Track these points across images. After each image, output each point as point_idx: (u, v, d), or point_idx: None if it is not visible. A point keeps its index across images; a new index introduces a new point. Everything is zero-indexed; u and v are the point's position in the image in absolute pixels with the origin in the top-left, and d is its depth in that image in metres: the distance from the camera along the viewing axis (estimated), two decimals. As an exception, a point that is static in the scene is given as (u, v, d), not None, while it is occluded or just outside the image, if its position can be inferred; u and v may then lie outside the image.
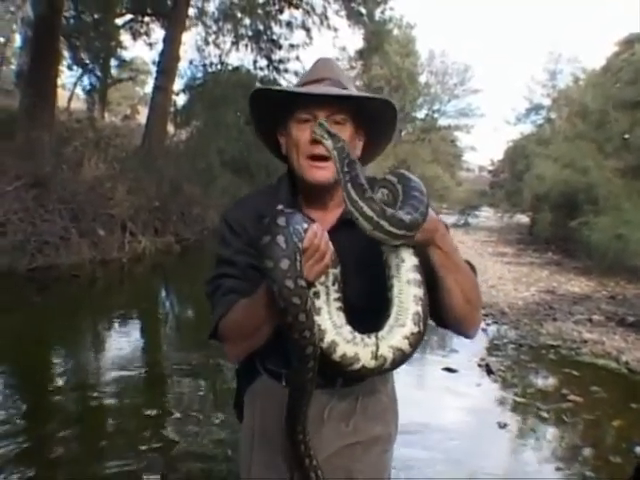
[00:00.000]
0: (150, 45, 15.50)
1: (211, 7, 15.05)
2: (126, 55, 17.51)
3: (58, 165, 7.92)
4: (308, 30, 14.77)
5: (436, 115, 35.54)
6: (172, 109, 13.61)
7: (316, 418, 1.11)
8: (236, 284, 1.08)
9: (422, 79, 34.34)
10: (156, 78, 12.54)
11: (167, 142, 12.78)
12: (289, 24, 14.77)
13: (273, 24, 14.73)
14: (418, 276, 0.96)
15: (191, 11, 13.81)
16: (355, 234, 0.93)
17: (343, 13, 14.40)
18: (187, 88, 14.89)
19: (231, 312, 1.04)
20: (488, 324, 5.77)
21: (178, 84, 14.19)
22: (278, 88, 1.14)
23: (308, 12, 14.62)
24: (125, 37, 15.47)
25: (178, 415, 3.18)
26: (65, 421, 3.01)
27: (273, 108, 1.12)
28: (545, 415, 3.56)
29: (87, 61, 14.61)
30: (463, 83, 34.20)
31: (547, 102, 22.68)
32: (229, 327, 1.05)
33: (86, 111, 15.14)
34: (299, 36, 15.32)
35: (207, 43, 15.02)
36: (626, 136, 11.22)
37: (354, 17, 14.26)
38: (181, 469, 2.61)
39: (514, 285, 8.24)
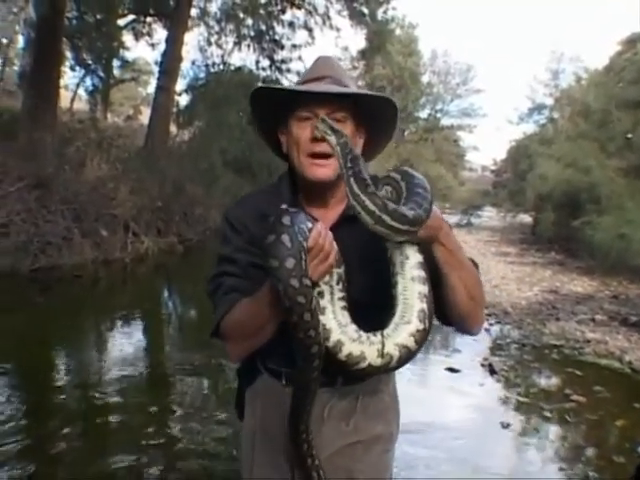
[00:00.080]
0: (152, 45, 15.59)
1: (213, 7, 15.15)
2: (128, 56, 17.57)
3: (60, 166, 7.91)
4: (310, 30, 14.81)
5: (439, 115, 35.55)
6: (174, 109, 13.66)
7: (316, 417, 1.10)
8: (237, 282, 1.08)
9: (424, 79, 34.40)
10: (158, 78, 12.57)
11: (170, 142, 12.79)
12: (291, 24, 14.80)
13: (275, 24, 14.77)
14: (422, 273, 0.96)
15: (193, 11, 13.87)
16: (357, 230, 0.93)
17: (345, 13, 14.43)
18: (189, 88, 14.95)
19: (233, 311, 1.04)
20: (491, 324, 5.76)
21: (180, 84, 14.27)
22: (278, 86, 1.14)
23: (310, 12, 14.64)
24: (127, 38, 15.59)
25: (180, 413, 3.19)
26: (67, 419, 3.02)
27: (274, 107, 1.12)
28: (548, 415, 3.55)
29: (89, 62, 14.62)
30: (465, 83, 34.22)
31: (549, 102, 22.61)
32: (231, 326, 1.05)
33: (88, 112, 15.18)
34: (301, 36, 15.37)
35: (209, 43, 15.08)
36: (629, 135, 11.20)
37: (356, 17, 14.27)
38: (183, 467, 2.61)
39: (517, 285, 8.22)
